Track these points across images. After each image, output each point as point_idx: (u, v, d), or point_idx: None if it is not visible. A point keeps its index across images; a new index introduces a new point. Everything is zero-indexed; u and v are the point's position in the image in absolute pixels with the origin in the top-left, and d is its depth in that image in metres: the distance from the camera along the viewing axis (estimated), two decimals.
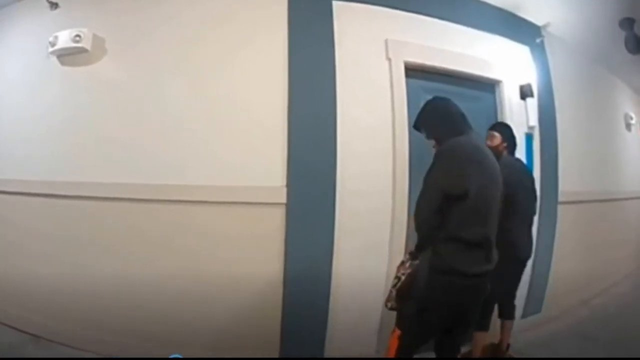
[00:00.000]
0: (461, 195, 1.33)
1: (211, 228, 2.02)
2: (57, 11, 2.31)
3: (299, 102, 2.03)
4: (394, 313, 1.50)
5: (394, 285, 1.48)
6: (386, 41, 2.21)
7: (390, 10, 2.26)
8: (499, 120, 2.44)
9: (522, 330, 2.42)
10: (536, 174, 2.58)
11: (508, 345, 2.16)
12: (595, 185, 3.22)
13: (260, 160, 2.03)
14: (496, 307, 2.09)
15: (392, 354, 1.44)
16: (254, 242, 2.00)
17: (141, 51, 2.17)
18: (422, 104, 1.65)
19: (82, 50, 2.16)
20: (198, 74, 2.10)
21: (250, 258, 2.00)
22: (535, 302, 2.63)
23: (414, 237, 1.50)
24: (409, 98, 2.19)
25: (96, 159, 2.14)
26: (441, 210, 1.35)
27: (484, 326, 2.00)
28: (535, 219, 2.31)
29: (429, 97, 1.70)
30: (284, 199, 1.98)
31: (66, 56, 2.22)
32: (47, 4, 2.29)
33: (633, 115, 3.98)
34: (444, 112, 1.53)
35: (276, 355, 2.00)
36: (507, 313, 2.15)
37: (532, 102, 2.64)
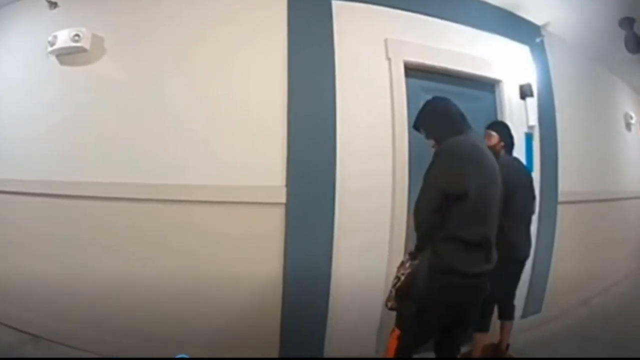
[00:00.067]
0: (460, 195, 1.33)
1: (211, 228, 2.02)
2: (56, 10, 2.30)
3: (298, 101, 2.03)
4: (394, 313, 1.50)
5: (394, 285, 1.48)
6: (386, 41, 2.21)
7: (390, 10, 2.25)
8: (499, 119, 2.44)
9: (522, 330, 2.42)
10: (536, 173, 2.58)
11: (508, 345, 2.15)
12: (595, 184, 3.22)
13: (260, 160, 2.03)
14: (495, 307, 2.09)
15: (391, 354, 1.44)
16: (254, 242, 2.00)
17: (141, 51, 2.17)
18: (421, 103, 1.65)
19: (81, 50, 2.15)
20: (197, 73, 2.10)
21: (250, 258, 2.00)
22: (535, 302, 2.63)
23: (414, 237, 1.50)
24: (409, 98, 2.19)
25: (96, 158, 2.14)
26: (440, 210, 1.35)
27: (483, 327, 2.00)
28: (535, 218, 2.31)
29: (429, 96, 1.71)
30: (283, 199, 1.98)
31: (65, 56, 2.22)
32: (46, 4, 2.29)
33: (633, 115, 3.98)
34: (443, 112, 1.53)
35: (276, 355, 2.00)
36: (506, 313, 2.15)
37: (532, 102, 2.64)
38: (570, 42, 3.01)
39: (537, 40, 2.74)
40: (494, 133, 2.10)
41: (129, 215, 2.07)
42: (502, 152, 2.08)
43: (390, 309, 1.50)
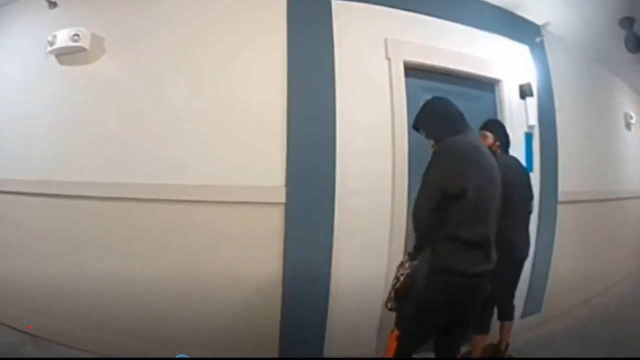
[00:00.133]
0: (459, 194, 1.33)
1: (210, 228, 2.02)
2: (55, 10, 2.30)
3: (298, 101, 2.03)
4: (394, 313, 1.50)
5: (393, 286, 1.48)
6: (385, 40, 2.21)
7: (389, 10, 2.25)
8: (498, 119, 2.43)
9: (522, 330, 2.41)
10: (536, 173, 2.58)
11: (507, 345, 2.15)
12: (595, 184, 3.21)
13: (259, 160, 2.03)
14: (495, 308, 2.08)
15: (390, 355, 1.44)
16: (254, 242, 2.00)
17: (140, 51, 2.16)
18: (421, 103, 1.65)
19: (81, 50, 2.15)
20: (197, 73, 2.10)
21: (250, 258, 1.99)
22: (535, 302, 2.63)
23: (414, 237, 1.50)
24: (409, 97, 2.19)
25: (96, 158, 2.14)
26: (440, 209, 1.35)
27: (483, 328, 1.99)
28: (535, 218, 2.31)
29: (429, 96, 1.71)
30: (283, 199, 1.98)
31: (65, 55, 2.22)
32: (45, 3, 2.29)
33: (633, 115, 3.97)
34: (442, 112, 1.52)
35: (276, 355, 2.00)
36: (506, 314, 2.14)
37: (532, 102, 2.63)
38: (570, 41, 3.01)
39: (537, 39, 2.74)
40: (489, 134, 2.08)
41: (129, 215, 2.07)
42: (499, 151, 2.06)
43: (390, 309, 1.50)
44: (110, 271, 2.04)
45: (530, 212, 2.17)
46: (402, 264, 1.50)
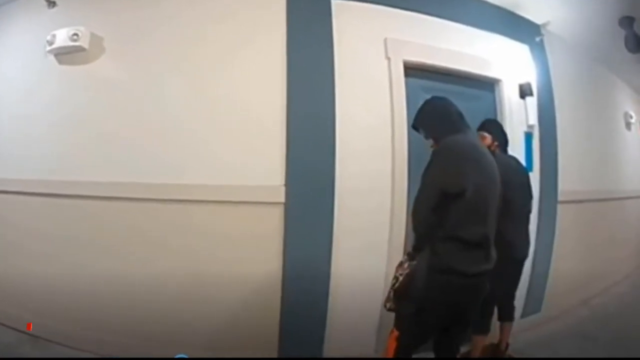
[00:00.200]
0: (459, 194, 1.33)
1: (210, 227, 2.02)
2: (54, 9, 2.30)
3: (298, 101, 2.03)
4: (393, 313, 1.50)
5: (392, 286, 1.48)
6: (385, 40, 2.20)
7: (389, 9, 2.25)
8: (496, 119, 2.42)
9: (522, 330, 2.41)
10: (536, 173, 2.58)
11: (507, 345, 2.15)
12: (595, 184, 3.21)
13: (259, 160, 2.03)
14: (495, 308, 2.08)
15: (390, 355, 1.44)
16: (253, 242, 2.00)
17: (140, 50, 2.16)
18: (421, 103, 1.64)
19: (80, 49, 2.15)
20: (197, 73, 2.10)
21: (249, 257, 1.99)
22: (534, 302, 2.63)
23: (413, 237, 1.50)
24: (408, 97, 2.19)
25: (95, 158, 2.13)
26: (439, 209, 1.34)
27: (483, 329, 1.99)
28: (535, 218, 2.30)
29: (428, 96, 1.71)
30: (282, 199, 1.98)
31: (64, 55, 2.22)
32: (44, 3, 2.29)
33: (633, 114, 3.97)
34: (442, 111, 1.52)
35: (275, 355, 2.00)
36: (506, 314, 2.13)
37: (532, 101, 2.63)
38: (570, 41, 3.00)
39: (537, 39, 2.74)
40: (486, 134, 2.07)
41: (129, 215, 2.07)
42: (497, 151, 2.06)
43: (389, 310, 1.49)
44: (110, 271, 2.04)
45: (529, 211, 2.17)
46: (401, 264, 1.50)
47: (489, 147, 2.00)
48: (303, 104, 2.03)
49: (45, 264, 2.15)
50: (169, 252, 2.02)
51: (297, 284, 1.98)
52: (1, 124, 2.42)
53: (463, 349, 1.89)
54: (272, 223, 1.99)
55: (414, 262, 1.45)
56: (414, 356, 1.47)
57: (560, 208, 2.72)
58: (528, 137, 2.61)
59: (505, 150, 2.13)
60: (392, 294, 1.47)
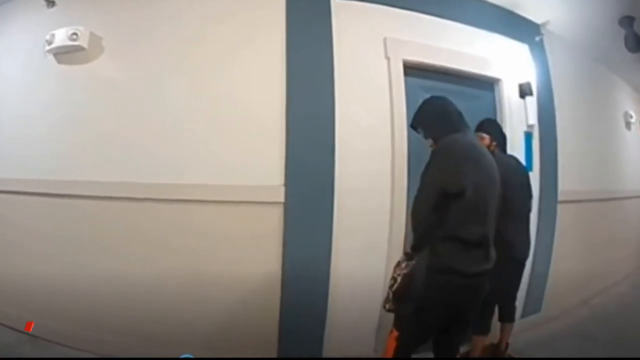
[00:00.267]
0: (458, 193, 1.33)
1: (210, 227, 2.02)
2: (54, 9, 2.30)
3: (297, 101, 2.03)
4: (392, 314, 1.50)
5: (391, 287, 1.48)
6: (385, 39, 2.20)
7: (389, 9, 2.25)
8: (493, 118, 2.41)
9: (522, 330, 2.41)
10: (535, 172, 2.58)
11: (507, 345, 2.15)
12: (595, 184, 3.21)
13: (258, 159, 2.03)
14: (496, 309, 2.07)
15: (389, 355, 1.44)
16: (253, 242, 2.00)
17: (139, 50, 2.16)
18: (420, 102, 1.64)
19: (79, 49, 2.15)
20: (197, 73, 2.09)
21: (249, 257, 1.99)
22: (534, 302, 2.62)
23: (412, 237, 1.49)
24: (408, 97, 2.19)
25: (95, 158, 2.13)
26: (438, 208, 1.34)
27: (483, 329, 1.98)
28: (535, 218, 2.30)
29: (428, 95, 1.70)
30: (282, 198, 1.98)
31: (63, 54, 2.21)
32: (44, 2, 2.28)
33: (633, 114, 3.96)
34: (441, 111, 1.52)
35: (275, 355, 2.01)
36: (507, 315, 2.13)
37: (532, 101, 2.63)
38: (569, 40, 3.00)
39: (537, 38, 2.73)
40: (485, 135, 2.06)
41: (129, 214, 2.07)
42: (496, 151, 2.05)
43: (388, 310, 1.49)
44: (110, 271, 2.04)
45: (529, 211, 2.16)
46: (398, 264, 1.50)
47: (487, 147, 1.99)
48: (303, 104, 2.03)
49: (45, 264, 2.15)
50: (168, 252, 2.02)
51: (296, 283, 1.98)
52: (0, 123, 2.42)
53: (463, 349, 1.89)
54: (272, 223, 1.99)
55: (412, 262, 1.45)
56: (413, 356, 1.47)
57: (560, 208, 2.72)
58: (528, 136, 2.61)
59: (504, 150, 2.13)
60: (390, 295, 1.47)
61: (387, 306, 1.49)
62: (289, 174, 1.99)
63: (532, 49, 2.72)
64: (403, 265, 1.47)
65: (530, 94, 2.60)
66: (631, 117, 3.94)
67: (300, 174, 2.00)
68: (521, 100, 2.61)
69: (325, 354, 2.04)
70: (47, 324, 2.13)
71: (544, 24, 2.77)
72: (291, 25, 2.08)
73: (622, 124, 3.88)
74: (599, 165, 3.33)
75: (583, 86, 3.22)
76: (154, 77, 2.12)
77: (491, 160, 1.48)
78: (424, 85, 2.27)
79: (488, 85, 2.55)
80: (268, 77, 2.07)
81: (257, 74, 2.09)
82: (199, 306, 2.01)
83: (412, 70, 2.25)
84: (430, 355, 1.55)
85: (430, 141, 1.52)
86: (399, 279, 1.45)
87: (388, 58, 2.19)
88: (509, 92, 2.56)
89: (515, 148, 2.42)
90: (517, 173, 2.09)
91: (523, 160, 2.40)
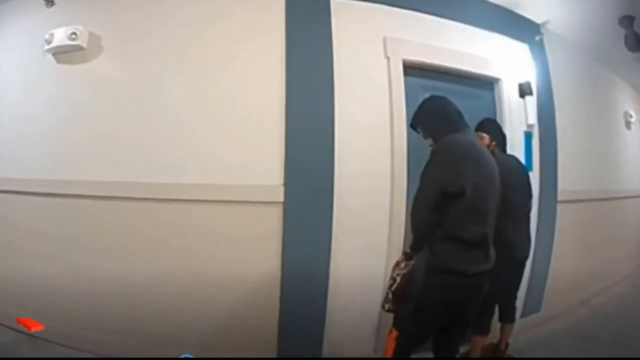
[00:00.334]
0: (458, 193, 1.32)
1: (209, 227, 2.02)
2: (53, 9, 2.29)
3: (297, 100, 2.02)
4: (392, 314, 1.50)
5: (390, 287, 1.48)
6: (384, 39, 2.20)
7: (388, 8, 2.25)
8: (493, 118, 2.41)
9: (522, 330, 2.41)
10: (535, 172, 2.57)
11: (507, 345, 2.15)
12: (594, 183, 3.21)
13: (258, 159, 2.03)
14: (496, 309, 2.07)
15: (389, 355, 1.44)
16: (252, 241, 2.00)
17: (139, 50, 2.16)
18: (420, 102, 1.64)
19: (78, 48, 2.14)
20: (196, 73, 2.09)
21: (248, 257, 1.99)
22: (534, 302, 2.62)
23: (412, 236, 1.49)
24: (408, 96, 2.19)
25: (94, 157, 2.13)
26: (438, 208, 1.34)
27: (483, 329, 1.98)
28: (535, 218, 2.30)
29: (428, 95, 1.70)
30: (281, 198, 1.98)
31: (62, 54, 2.21)
32: (43, 1, 2.28)
33: (633, 114, 3.96)
34: (441, 110, 1.52)
35: (274, 355, 2.00)
36: (507, 315, 2.12)
37: (532, 100, 2.63)
38: (569, 40, 3.00)
39: (537, 38, 2.73)
40: (485, 135, 2.05)
41: (129, 214, 2.07)
42: (496, 150, 2.05)
43: (388, 310, 1.49)
44: (110, 271, 2.04)
45: (529, 210, 2.16)
46: (397, 264, 1.50)
47: (487, 147, 1.99)
48: (302, 104, 2.02)
49: (45, 264, 2.15)
50: (168, 251, 2.02)
51: (296, 283, 1.98)
52: (0, 123, 2.42)
53: (463, 349, 1.89)
54: (271, 223, 1.99)
55: (411, 262, 1.45)
56: (413, 356, 1.47)
57: (560, 208, 2.72)
58: (528, 136, 2.61)
59: (504, 150, 2.13)
60: (390, 295, 1.47)
61: (387, 306, 1.49)
62: (289, 174, 1.99)
63: (532, 49, 2.71)
64: (402, 265, 1.47)
65: (530, 93, 2.60)
66: (631, 116, 3.93)
67: (300, 173, 2.00)
68: (521, 100, 2.61)
69: (324, 354, 2.04)
70: (47, 324, 2.12)
71: (544, 24, 2.77)
72: (291, 25, 2.08)
73: (622, 123, 3.88)
74: (599, 165, 3.33)
75: (583, 86, 3.22)
76: (153, 77, 2.12)
77: (491, 159, 1.48)
78: (424, 85, 2.28)
79: (488, 84, 2.55)
80: (268, 77, 2.06)
81: (256, 74, 2.09)
82: (198, 306, 2.01)
83: (411, 69, 2.25)
84: (430, 355, 1.55)
85: (430, 141, 1.52)
86: (398, 279, 1.45)
87: (388, 57, 2.19)
88: (508, 92, 2.56)
89: (515, 148, 2.41)
90: (517, 173, 2.09)
91: (523, 160, 2.39)
